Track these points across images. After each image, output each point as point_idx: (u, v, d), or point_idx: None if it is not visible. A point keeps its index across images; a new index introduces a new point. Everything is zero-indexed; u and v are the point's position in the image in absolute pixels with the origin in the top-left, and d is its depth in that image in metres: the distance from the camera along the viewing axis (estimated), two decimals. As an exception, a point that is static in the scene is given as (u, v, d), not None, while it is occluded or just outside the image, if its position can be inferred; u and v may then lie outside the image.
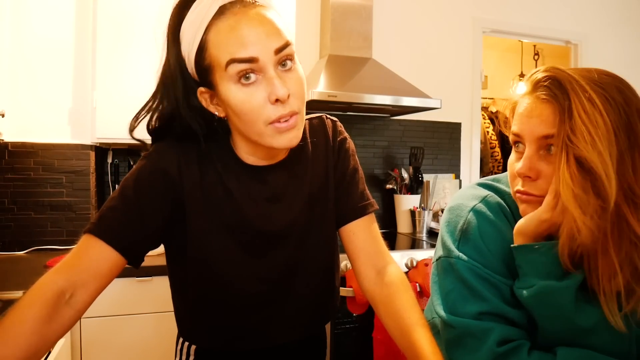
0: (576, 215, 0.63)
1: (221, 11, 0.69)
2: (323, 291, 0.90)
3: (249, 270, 0.81)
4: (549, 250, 0.68)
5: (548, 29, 3.05)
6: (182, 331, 0.87)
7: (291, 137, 0.72)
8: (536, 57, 4.42)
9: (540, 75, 0.70)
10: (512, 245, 0.73)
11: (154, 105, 0.77)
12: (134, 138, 0.79)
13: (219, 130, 0.79)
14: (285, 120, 0.71)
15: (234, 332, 0.82)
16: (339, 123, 0.92)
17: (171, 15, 0.73)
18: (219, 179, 0.79)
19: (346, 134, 0.92)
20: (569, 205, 0.63)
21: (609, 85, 0.67)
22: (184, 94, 0.74)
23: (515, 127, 0.73)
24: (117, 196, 0.75)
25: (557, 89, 0.67)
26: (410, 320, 0.77)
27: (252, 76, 0.68)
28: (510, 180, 0.76)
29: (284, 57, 0.70)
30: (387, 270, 0.86)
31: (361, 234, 0.88)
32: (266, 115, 0.69)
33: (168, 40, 0.73)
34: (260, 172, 0.81)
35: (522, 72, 4.42)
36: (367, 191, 0.92)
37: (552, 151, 0.68)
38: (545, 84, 0.68)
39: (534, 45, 4.36)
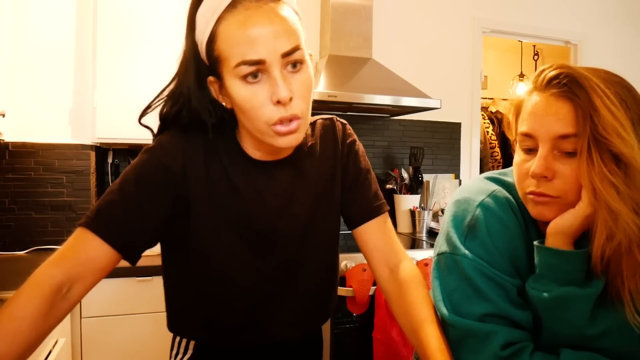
0: (624, 212, 0.62)
1: (233, 4, 0.68)
2: (323, 290, 0.90)
3: (251, 267, 0.80)
4: (578, 259, 0.67)
5: (548, 29, 3.05)
6: (176, 327, 0.86)
7: (290, 140, 0.72)
8: (536, 57, 4.43)
9: (552, 72, 0.68)
10: (535, 244, 0.71)
11: (170, 91, 0.76)
12: (141, 124, 0.78)
13: (227, 122, 0.79)
14: (287, 123, 0.70)
15: (232, 327, 0.82)
16: (348, 126, 0.93)
17: (191, 1, 0.73)
18: (224, 174, 0.78)
19: (355, 137, 0.93)
20: (614, 204, 0.62)
21: (618, 85, 0.67)
22: (196, 80, 0.73)
23: (525, 126, 0.70)
24: (117, 190, 0.73)
25: (575, 86, 0.65)
26: (419, 316, 0.76)
27: (258, 75, 0.68)
28: (519, 181, 0.73)
29: (291, 61, 0.69)
30: (400, 267, 0.86)
31: (374, 233, 0.89)
32: (267, 116, 0.69)
33: (187, 25, 0.74)
34: (267, 167, 0.81)
35: (522, 72, 4.42)
36: (380, 191, 0.92)
37: (574, 150, 0.66)
38: (563, 81, 0.66)
39: (534, 45, 4.36)
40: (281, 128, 0.70)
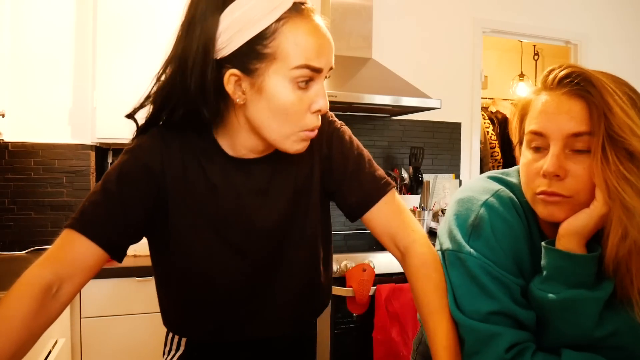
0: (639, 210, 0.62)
1: (296, 8, 0.70)
2: (307, 287, 0.88)
3: (231, 265, 0.80)
4: (589, 262, 0.67)
5: (548, 29, 3.05)
6: (167, 324, 0.87)
7: (305, 147, 0.76)
8: (536, 57, 4.42)
9: (564, 72, 0.68)
10: (544, 245, 0.70)
11: (164, 90, 0.76)
12: (127, 116, 0.79)
13: (207, 120, 0.77)
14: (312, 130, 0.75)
15: (217, 325, 0.82)
16: (330, 113, 0.89)
17: None
18: (202, 173, 0.78)
19: (338, 123, 0.89)
20: (631, 201, 0.62)
21: (625, 85, 0.68)
22: (201, 73, 0.70)
23: (535, 125, 0.70)
24: (99, 190, 0.74)
25: (588, 85, 0.66)
26: (428, 307, 0.76)
27: (308, 82, 0.72)
28: (527, 182, 0.72)
29: (328, 74, 0.76)
30: (410, 251, 0.83)
31: (378, 219, 0.86)
32: (304, 123, 0.73)
33: (199, 14, 0.69)
34: (245, 164, 0.80)
35: (522, 72, 4.42)
36: (380, 171, 0.88)
37: (586, 149, 0.66)
38: (575, 80, 0.67)
39: (534, 45, 4.36)
40: (310, 132, 0.75)
